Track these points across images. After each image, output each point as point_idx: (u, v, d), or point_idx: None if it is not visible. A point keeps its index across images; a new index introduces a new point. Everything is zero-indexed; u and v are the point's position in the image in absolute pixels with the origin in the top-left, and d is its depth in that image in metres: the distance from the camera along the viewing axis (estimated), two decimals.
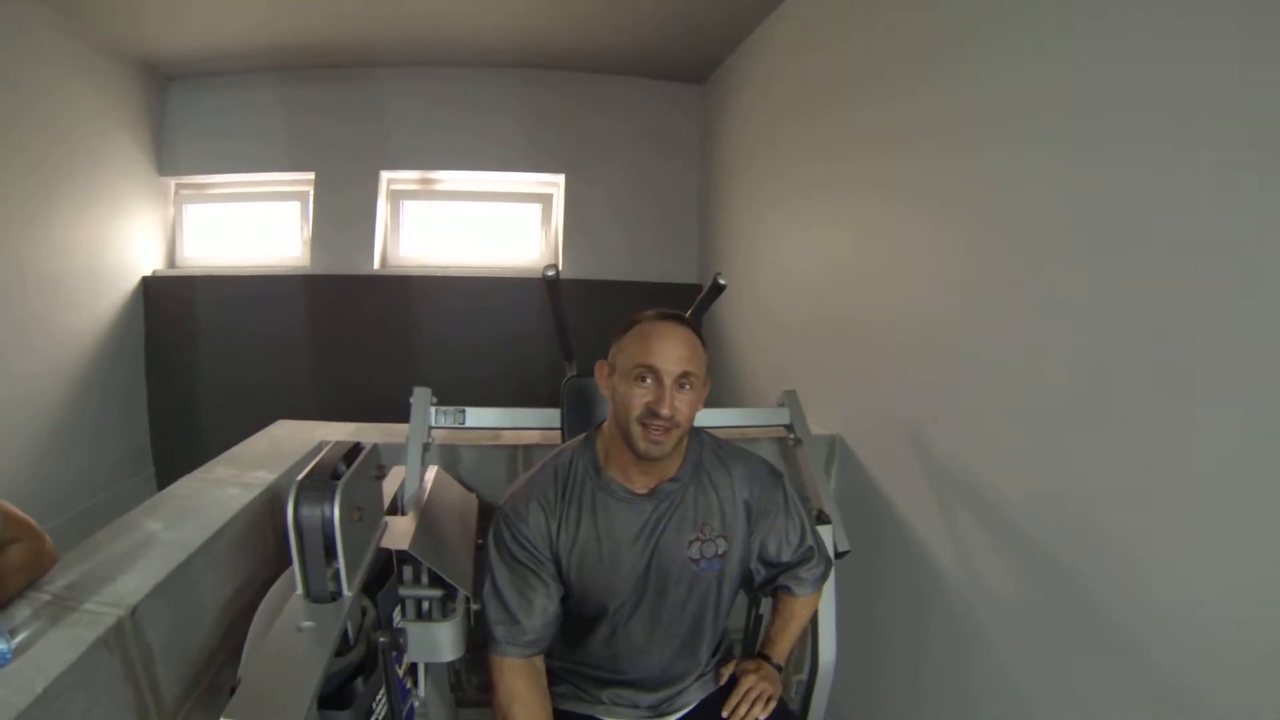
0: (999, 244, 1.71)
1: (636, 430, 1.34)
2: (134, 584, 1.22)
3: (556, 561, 1.44)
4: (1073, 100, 1.45)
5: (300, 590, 0.97)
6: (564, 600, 1.47)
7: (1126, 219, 1.32)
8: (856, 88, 2.47)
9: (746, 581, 1.62)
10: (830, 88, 2.69)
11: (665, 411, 1.31)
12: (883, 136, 2.28)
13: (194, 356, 4.41)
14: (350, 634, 1.02)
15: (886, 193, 2.25)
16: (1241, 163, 1.10)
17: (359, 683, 1.00)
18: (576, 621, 1.50)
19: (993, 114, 1.72)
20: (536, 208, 4.72)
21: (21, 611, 1.11)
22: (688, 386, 1.35)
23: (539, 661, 1.46)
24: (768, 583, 1.63)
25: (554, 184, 4.63)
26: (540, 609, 1.41)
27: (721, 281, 2.10)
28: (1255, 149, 1.08)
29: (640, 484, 1.45)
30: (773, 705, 1.53)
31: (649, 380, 1.33)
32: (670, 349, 1.33)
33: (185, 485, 1.76)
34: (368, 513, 1.09)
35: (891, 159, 2.21)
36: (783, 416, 2.17)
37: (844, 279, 2.55)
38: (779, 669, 1.62)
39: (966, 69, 1.83)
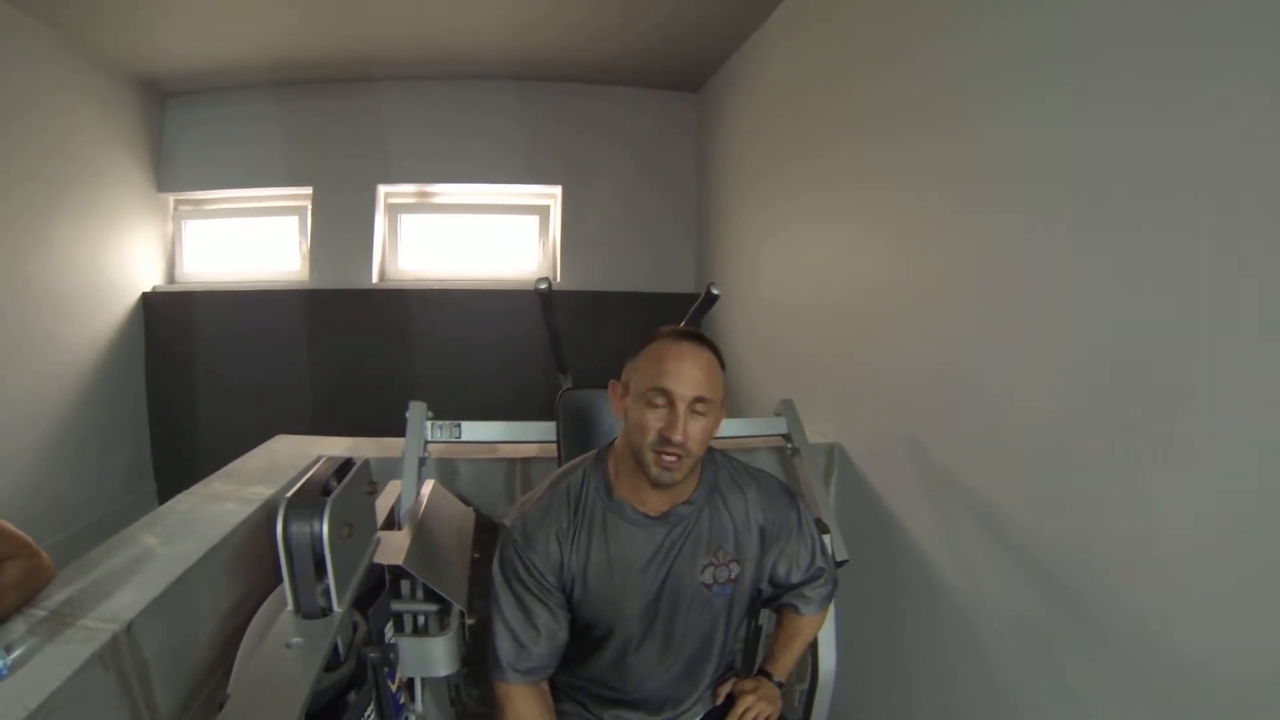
0: (997, 254, 1.71)
1: (649, 456, 1.27)
2: (130, 599, 1.23)
3: (565, 587, 1.39)
4: (1073, 125, 1.44)
5: (290, 606, 0.98)
6: (571, 622, 1.43)
7: (1125, 226, 1.32)
8: (851, 94, 2.47)
9: (754, 597, 1.58)
10: (824, 94, 2.70)
11: (677, 438, 1.24)
12: (879, 144, 2.28)
13: (194, 372, 4.42)
14: (340, 649, 1.02)
15: (883, 201, 2.24)
16: (1240, 167, 1.10)
17: (350, 698, 1.00)
18: (584, 642, 1.46)
19: (993, 130, 1.71)
20: (534, 219, 4.74)
21: (18, 627, 1.12)
22: (703, 412, 1.28)
23: (544, 685, 1.43)
24: (772, 600, 1.60)
25: (551, 195, 4.65)
26: (547, 636, 1.37)
27: (715, 292, 2.11)
28: (1256, 149, 1.08)
29: (653, 507, 1.38)
30: None
31: (661, 404, 1.27)
32: (686, 371, 1.27)
33: (183, 501, 1.77)
34: (359, 528, 1.10)
35: (888, 167, 2.21)
36: (780, 426, 2.17)
37: (842, 287, 2.55)
38: (780, 686, 1.61)
39: (963, 68, 1.83)
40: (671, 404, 1.26)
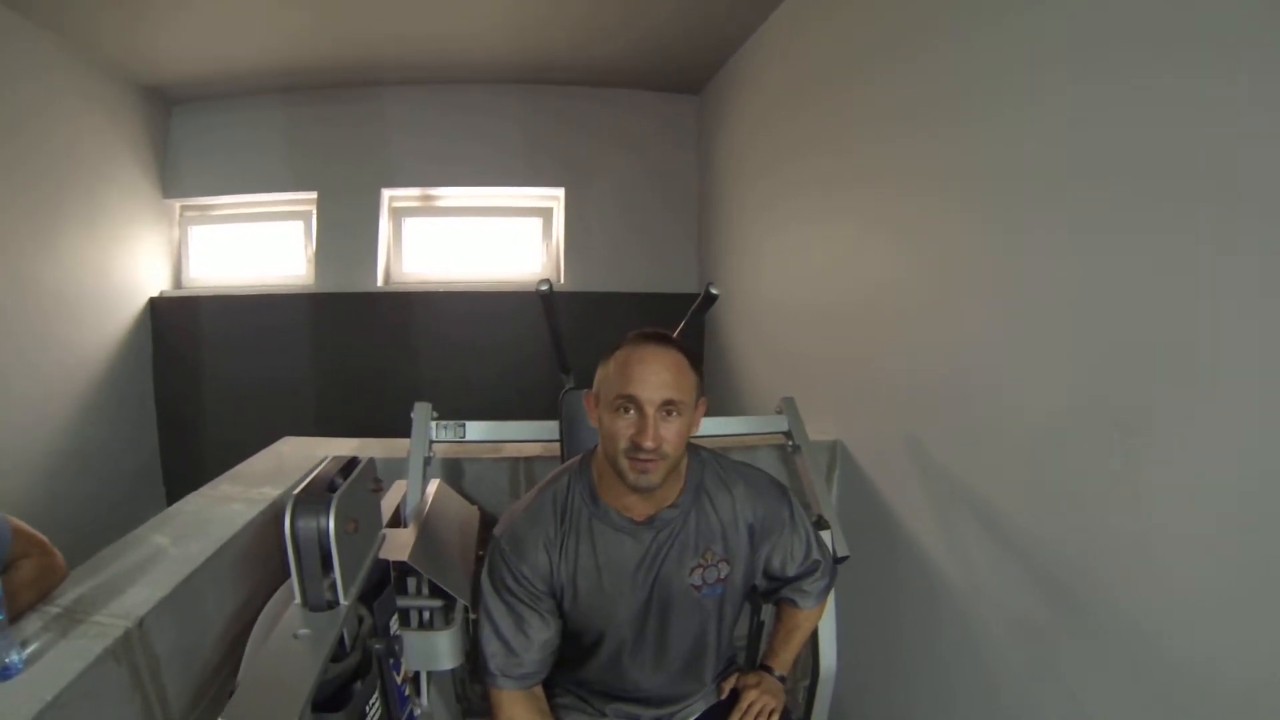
0: (998, 254, 1.71)
1: (624, 464, 1.28)
2: (141, 597, 1.26)
3: (555, 595, 1.40)
4: (1074, 125, 1.45)
5: (298, 599, 1.00)
6: (563, 628, 1.44)
7: (1124, 225, 1.32)
8: (851, 94, 2.48)
9: (750, 592, 1.59)
10: (824, 95, 2.71)
11: (648, 444, 1.24)
12: (880, 143, 2.28)
13: (202, 375, 4.45)
14: (347, 641, 1.05)
15: (884, 200, 2.25)
16: (1240, 166, 1.11)
17: (356, 687, 1.03)
18: (577, 648, 1.48)
19: (996, 130, 1.71)
20: (537, 221, 4.75)
21: (33, 624, 1.15)
22: (674, 414, 1.27)
23: (538, 689, 1.43)
24: (770, 593, 1.61)
25: (554, 198, 4.66)
26: (538, 643, 1.38)
27: (714, 291, 2.13)
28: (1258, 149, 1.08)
29: (639, 511, 1.39)
30: (775, 718, 1.53)
31: (631, 411, 1.27)
32: (651, 375, 1.26)
33: (192, 502, 1.80)
34: (364, 524, 1.12)
35: (889, 166, 2.21)
36: (781, 424, 2.18)
37: (844, 286, 2.56)
38: (782, 680, 1.62)
39: (966, 61, 1.82)
40: (640, 410, 1.26)
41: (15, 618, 1.13)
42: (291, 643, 0.94)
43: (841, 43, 2.57)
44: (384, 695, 1.13)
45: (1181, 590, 1.22)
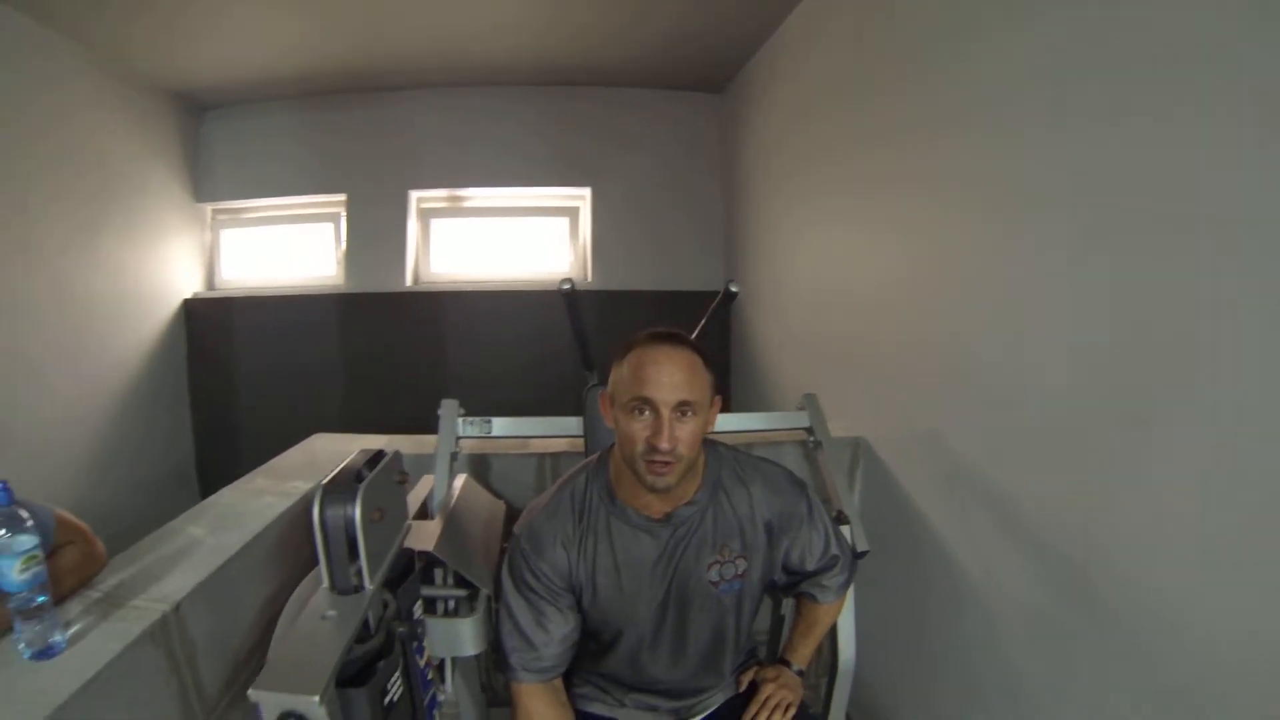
0: (1017, 255, 1.70)
1: (641, 466, 1.28)
2: (178, 583, 1.31)
3: (574, 591, 1.41)
4: (1095, 133, 1.44)
5: (326, 583, 1.05)
6: (583, 624, 1.45)
7: (1137, 226, 1.32)
8: (874, 90, 2.48)
9: (769, 586, 1.59)
10: (849, 95, 2.70)
11: (664, 445, 1.24)
12: (902, 137, 2.28)
13: (235, 374, 4.54)
14: (371, 623, 1.09)
15: (909, 196, 2.24)
16: (1242, 170, 1.11)
17: (379, 666, 1.07)
18: (596, 643, 1.49)
19: (1017, 110, 1.69)
20: (564, 221, 4.78)
21: (75, 607, 1.20)
22: (689, 414, 1.27)
23: (558, 682, 1.45)
24: (790, 587, 1.62)
25: (580, 197, 4.69)
26: (558, 638, 1.39)
27: (733, 289, 2.14)
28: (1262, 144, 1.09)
29: (656, 509, 1.39)
30: (792, 712, 1.54)
31: (646, 413, 1.26)
32: (665, 377, 1.25)
33: (226, 495, 1.85)
34: (389, 514, 1.16)
35: (913, 160, 2.21)
36: (803, 420, 2.19)
37: (868, 284, 2.56)
38: (800, 674, 1.63)
39: (986, 55, 1.81)
40: (655, 411, 1.26)
41: (59, 601, 1.17)
42: (319, 623, 0.98)
43: (861, 34, 2.56)
44: (406, 675, 1.16)
45: (1198, 582, 1.22)
